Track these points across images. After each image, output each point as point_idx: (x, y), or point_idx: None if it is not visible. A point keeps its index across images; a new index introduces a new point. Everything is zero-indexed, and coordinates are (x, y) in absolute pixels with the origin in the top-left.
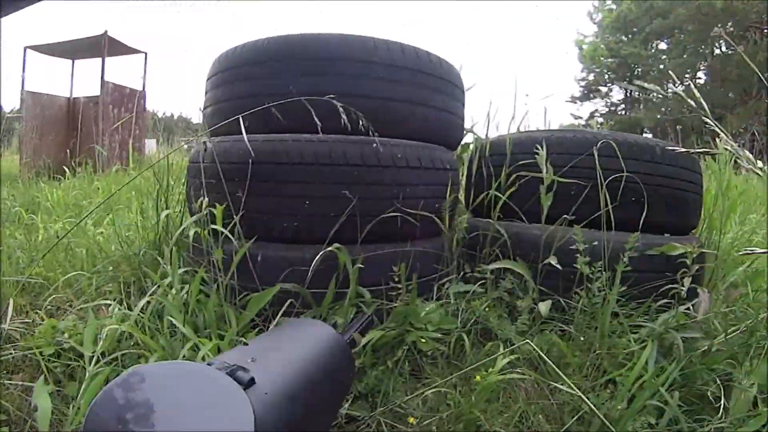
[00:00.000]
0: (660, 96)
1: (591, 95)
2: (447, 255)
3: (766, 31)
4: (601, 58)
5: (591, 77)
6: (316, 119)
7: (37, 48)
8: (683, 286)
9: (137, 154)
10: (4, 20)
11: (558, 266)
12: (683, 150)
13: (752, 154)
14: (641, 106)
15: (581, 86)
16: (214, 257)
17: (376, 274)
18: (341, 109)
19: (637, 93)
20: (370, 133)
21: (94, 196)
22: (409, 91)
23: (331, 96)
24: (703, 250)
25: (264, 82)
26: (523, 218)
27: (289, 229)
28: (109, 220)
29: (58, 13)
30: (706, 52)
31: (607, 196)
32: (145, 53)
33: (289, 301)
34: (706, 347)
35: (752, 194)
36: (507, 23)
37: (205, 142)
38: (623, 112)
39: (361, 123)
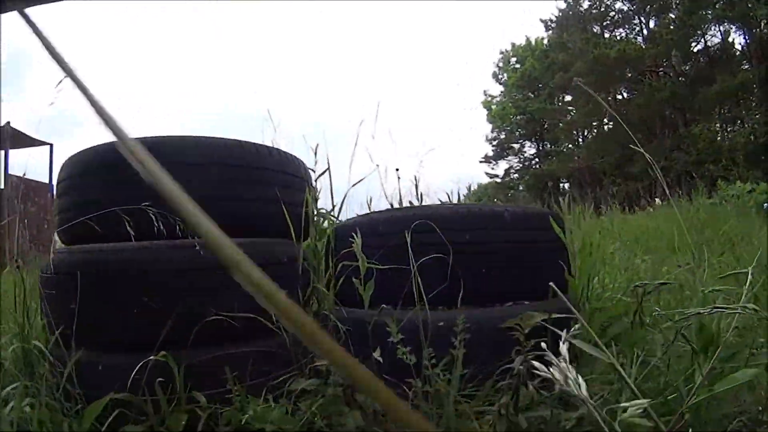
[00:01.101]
0: (570, 147)
1: (504, 153)
2: (293, 350)
3: (661, 73)
4: (510, 117)
5: (503, 135)
6: (129, 229)
7: None
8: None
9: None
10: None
11: (380, 358)
12: (534, 212)
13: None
14: (554, 158)
15: (493, 145)
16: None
17: (213, 378)
18: (153, 217)
19: (549, 146)
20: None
21: None
22: (227, 185)
23: (147, 204)
24: (562, 315)
25: (87, 192)
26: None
27: (126, 335)
28: None
29: None
30: (608, 99)
31: (454, 269)
32: (51, 144)
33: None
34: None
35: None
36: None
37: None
38: (537, 166)
39: (178, 228)
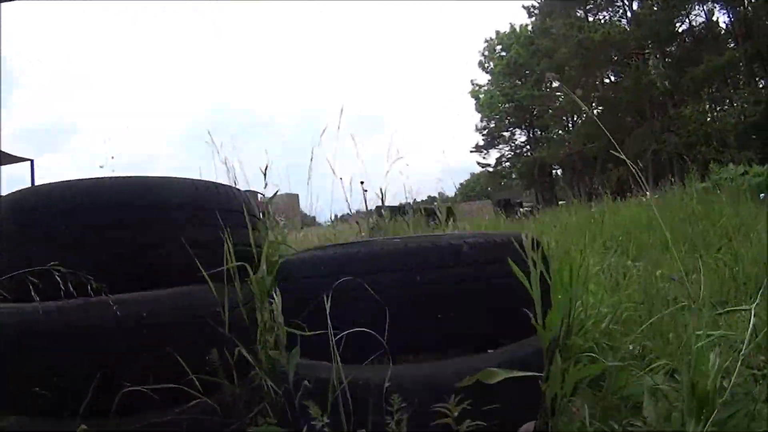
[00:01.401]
0: (560, 133)
1: (495, 142)
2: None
3: (647, 54)
4: (499, 105)
5: (492, 124)
6: (34, 294)
7: None
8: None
9: None
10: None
11: None
12: (500, 240)
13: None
14: (545, 145)
15: (483, 135)
16: None
17: None
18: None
19: (540, 133)
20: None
21: None
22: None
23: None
24: (528, 374)
25: None
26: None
27: (47, 403)
28: None
29: None
30: (596, 82)
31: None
32: (32, 160)
33: None
34: None
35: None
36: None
37: None
38: (528, 153)
39: (90, 286)
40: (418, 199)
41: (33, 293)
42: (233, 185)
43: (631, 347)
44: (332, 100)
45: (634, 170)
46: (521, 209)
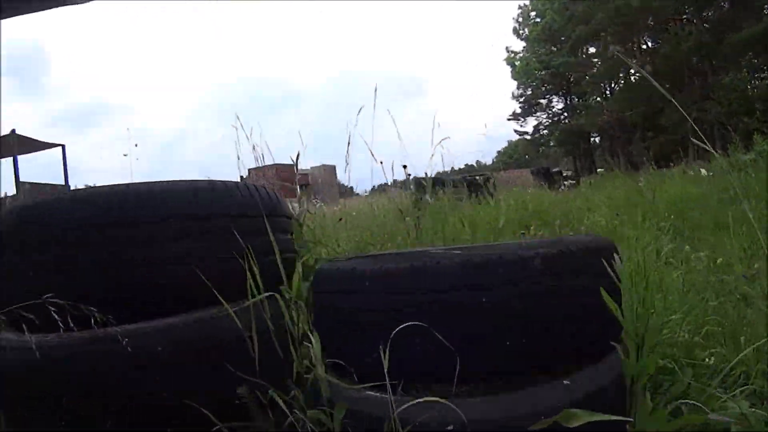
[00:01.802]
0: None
1: (533, 109)
2: None
3: (686, 20)
4: (535, 72)
5: (529, 91)
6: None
7: None
8: None
9: None
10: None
11: None
12: (579, 250)
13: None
14: (582, 112)
15: (521, 102)
16: None
17: None
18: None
19: (577, 100)
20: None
21: None
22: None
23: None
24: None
25: None
26: None
27: None
28: None
29: None
30: (633, 49)
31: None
32: (63, 145)
33: None
34: None
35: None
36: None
37: None
38: (566, 121)
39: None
40: (456, 167)
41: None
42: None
43: (709, 360)
44: (370, 63)
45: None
46: (565, 182)
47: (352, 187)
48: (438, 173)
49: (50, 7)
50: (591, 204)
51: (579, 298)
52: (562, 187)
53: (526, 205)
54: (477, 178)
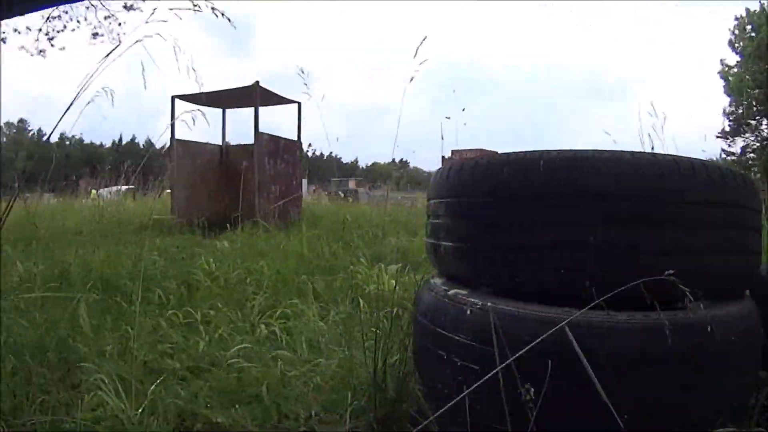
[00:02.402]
0: None
1: (742, 129)
2: None
3: None
4: (747, 89)
5: (740, 110)
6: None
7: (185, 97)
8: None
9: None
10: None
11: None
12: None
13: None
14: None
15: (731, 120)
16: None
17: None
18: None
19: None
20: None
21: (258, 272)
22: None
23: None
24: None
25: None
26: None
27: None
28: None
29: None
30: None
31: None
32: (299, 103)
33: None
34: None
35: None
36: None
37: None
38: None
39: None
40: None
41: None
42: None
43: None
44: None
45: None
46: None
47: None
48: None
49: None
50: None
51: None
52: None
53: None
54: None
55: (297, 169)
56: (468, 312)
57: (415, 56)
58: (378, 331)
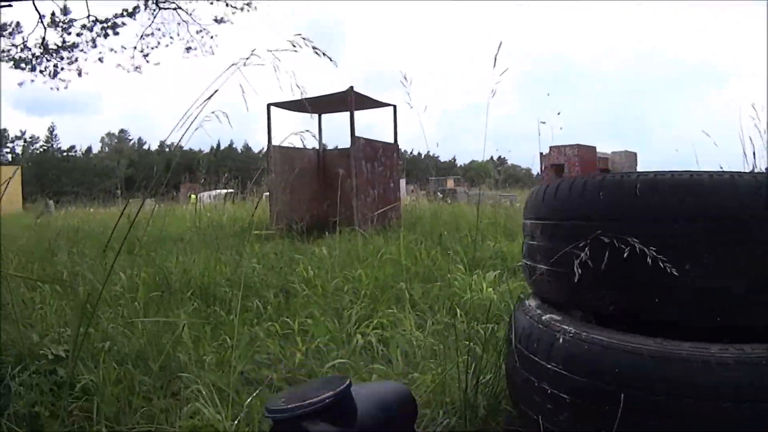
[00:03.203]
0: None
1: None
2: None
3: None
4: None
5: None
6: None
7: (280, 105)
8: None
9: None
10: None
11: None
12: None
13: None
14: None
15: None
16: None
17: None
18: None
19: None
20: None
21: (356, 280)
22: None
23: None
24: None
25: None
26: None
27: None
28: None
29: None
30: None
31: None
32: (394, 106)
33: None
34: None
35: None
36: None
37: None
38: None
39: None
40: None
41: None
42: None
43: None
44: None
45: None
46: None
47: None
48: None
49: None
50: None
51: None
52: None
53: None
54: None
55: (394, 171)
56: (560, 340)
57: (494, 66)
58: (473, 345)
